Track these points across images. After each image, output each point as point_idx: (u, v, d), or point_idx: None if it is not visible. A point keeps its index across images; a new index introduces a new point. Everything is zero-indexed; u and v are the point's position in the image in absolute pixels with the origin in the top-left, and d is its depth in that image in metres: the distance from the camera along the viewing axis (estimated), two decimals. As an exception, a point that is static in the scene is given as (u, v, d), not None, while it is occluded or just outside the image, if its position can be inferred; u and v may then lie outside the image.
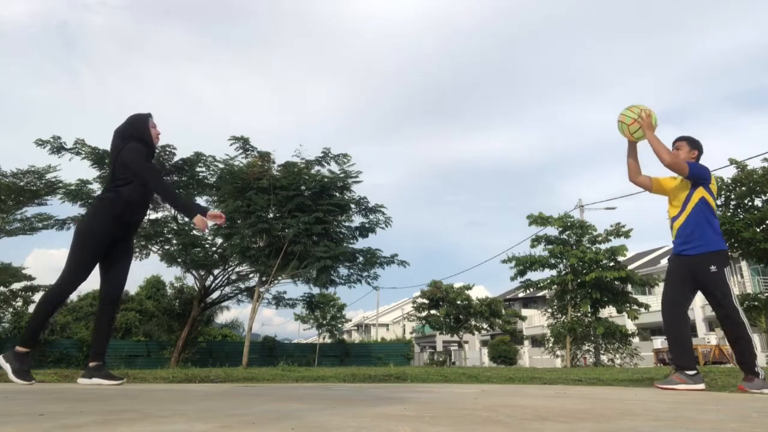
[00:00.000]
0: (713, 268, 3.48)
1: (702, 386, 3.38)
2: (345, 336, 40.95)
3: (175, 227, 16.08)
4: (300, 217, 12.74)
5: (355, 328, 60.07)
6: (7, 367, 3.09)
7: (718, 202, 12.93)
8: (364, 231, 14.73)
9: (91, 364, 3.31)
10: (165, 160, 14.96)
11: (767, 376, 3.31)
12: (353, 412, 1.75)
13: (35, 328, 3.28)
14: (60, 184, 15.03)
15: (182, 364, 14.50)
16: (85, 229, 3.30)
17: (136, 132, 3.52)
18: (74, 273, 3.24)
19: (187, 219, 3.89)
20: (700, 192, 3.59)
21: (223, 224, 3.55)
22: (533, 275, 17.79)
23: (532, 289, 18.98)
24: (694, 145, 3.78)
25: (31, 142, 13.94)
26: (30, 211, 15.83)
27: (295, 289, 51.73)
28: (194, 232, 16.24)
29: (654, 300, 21.45)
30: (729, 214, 12.61)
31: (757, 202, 12.53)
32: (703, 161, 3.79)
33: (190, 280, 20.15)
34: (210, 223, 3.45)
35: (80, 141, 14.13)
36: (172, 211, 16.23)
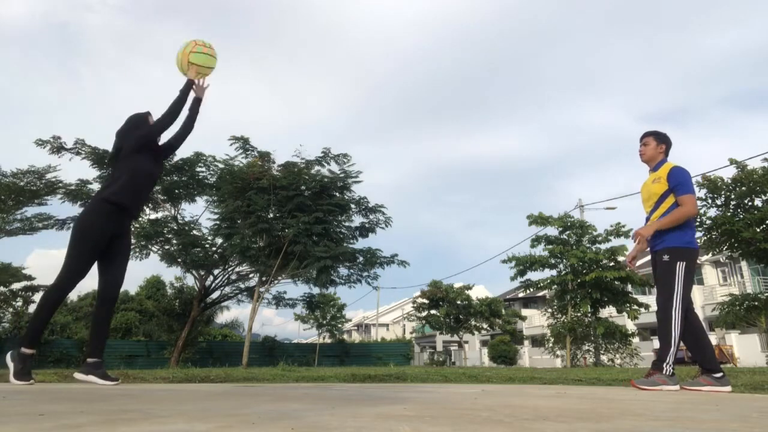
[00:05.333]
0: (666, 257, 3.49)
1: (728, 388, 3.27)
2: (345, 336, 40.96)
3: (175, 227, 16.08)
4: (300, 217, 12.75)
5: (355, 328, 60.09)
6: (11, 367, 3.10)
7: (718, 202, 12.93)
8: (364, 231, 14.74)
9: (90, 361, 3.31)
10: (165, 160, 14.92)
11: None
12: (353, 412, 1.75)
13: (38, 327, 3.28)
14: (60, 184, 15.02)
15: (182, 364, 14.50)
16: (84, 223, 3.29)
17: (135, 129, 3.55)
18: (73, 269, 3.23)
19: (193, 97, 4.07)
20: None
21: (204, 84, 3.66)
22: (533, 275, 17.82)
23: (532, 289, 18.98)
24: (661, 139, 3.79)
25: (31, 142, 13.97)
26: (30, 211, 15.80)
27: (295, 289, 51.72)
28: (193, 232, 16.24)
29: (654, 300, 21.45)
30: (729, 214, 12.61)
31: (757, 202, 12.53)
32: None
33: (190, 280, 20.13)
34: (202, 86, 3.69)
35: (80, 141, 14.14)
36: (173, 211, 16.23)
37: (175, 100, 3.63)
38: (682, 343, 3.50)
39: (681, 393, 3.14)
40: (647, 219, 3.74)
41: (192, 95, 3.68)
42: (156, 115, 3.64)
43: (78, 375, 3.32)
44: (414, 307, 27.76)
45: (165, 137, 3.70)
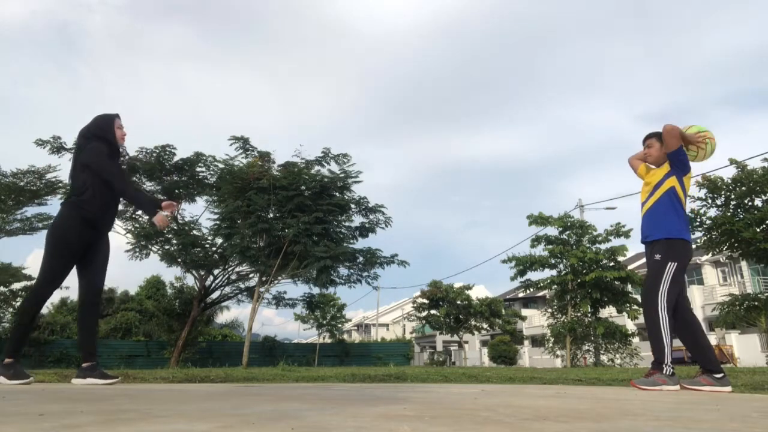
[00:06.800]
0: (657, 256, 3.46)
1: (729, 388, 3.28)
2: (345, 336, 40.98)
3: (174, 227, 16.09)
4: (300, 217, 12.75)
5: (355, 328, 60.09)
6: (3, 379, 3.11)
7: (718, 202, 12.93)
8: (364, 231, 14.73)
9: (85, 365, 3.29)
10: (165, 160, 14.99)
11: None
12: (353, 412, 1.75)
13: (19, 337, 3.28)
14: (60, 184, 15.04)
15: (182, 364, 14.50)
16: (55, 234, 3.26)
17: (100, 131, 3.47)
18: (50, 276, 3.23)
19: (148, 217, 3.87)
20: (672, 181, 3.56)
21: (176, 211, 3.49)
22: (533, 275, 17.84)
23: (532, 289, 18.99)
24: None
25: (31, 142, 13.98)
26: (30, 211, 15.83)
27: (295, 289, 51.79)
28: (193, 232, 16.25)
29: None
30: (729, 214, 12.61)
31: (757, 202, 12.53)
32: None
33: (190, 280, 20.15)
34: (167, 216, 3.41)
35: (80, 141, 14.15)
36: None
37: (136, 201, 3.68)
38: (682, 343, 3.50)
39: (681, 393, 3.14)
40: (642, 205, 3.72)
41: (156, 216, 3.42)
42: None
43: (75, 381, 3.30)
44: (414, 307, 27.76)
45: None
